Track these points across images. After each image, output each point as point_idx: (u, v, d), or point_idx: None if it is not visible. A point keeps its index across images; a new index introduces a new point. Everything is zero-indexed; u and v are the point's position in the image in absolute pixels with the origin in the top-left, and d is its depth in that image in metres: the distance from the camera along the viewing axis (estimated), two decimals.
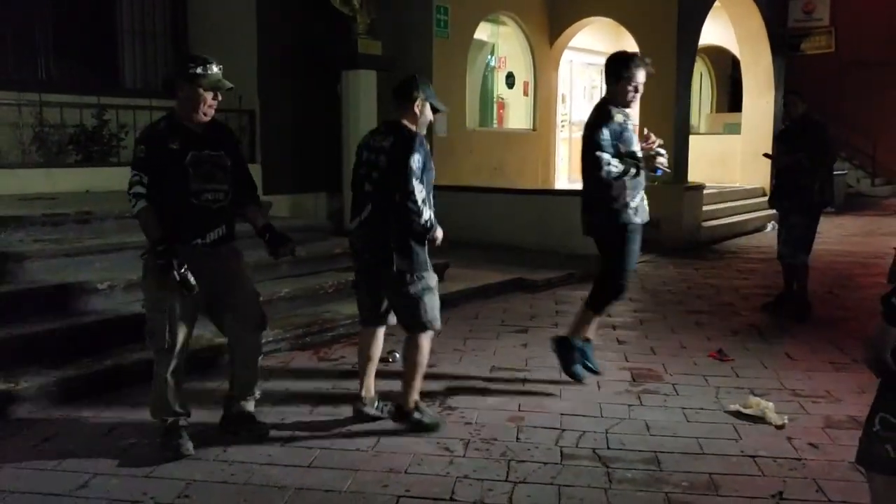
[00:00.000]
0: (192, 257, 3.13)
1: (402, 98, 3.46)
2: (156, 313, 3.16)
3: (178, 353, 3.19)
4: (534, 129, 11.19)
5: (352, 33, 7.77)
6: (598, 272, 4.20)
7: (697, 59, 11.47)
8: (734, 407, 3.78)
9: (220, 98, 3.21)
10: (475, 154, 9.68)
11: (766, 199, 6.59)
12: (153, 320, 3.17)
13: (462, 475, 3.04)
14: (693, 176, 10.43)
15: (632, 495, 2.90)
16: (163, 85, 3.34)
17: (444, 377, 4.28)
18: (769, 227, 10.61)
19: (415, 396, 3.52)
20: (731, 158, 12.76)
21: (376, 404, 3.62)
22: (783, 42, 12.75)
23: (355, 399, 3.63)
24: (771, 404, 3.76)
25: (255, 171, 5.08)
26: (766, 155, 6.41)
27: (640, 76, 3.86)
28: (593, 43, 12.65)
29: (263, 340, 3.65)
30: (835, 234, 10.51)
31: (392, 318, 3.61)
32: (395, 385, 3.67)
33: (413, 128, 3.44)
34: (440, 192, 8.72)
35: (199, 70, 3.11)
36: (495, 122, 11.37)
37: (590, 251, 8.11)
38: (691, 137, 10.50)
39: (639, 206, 4.02)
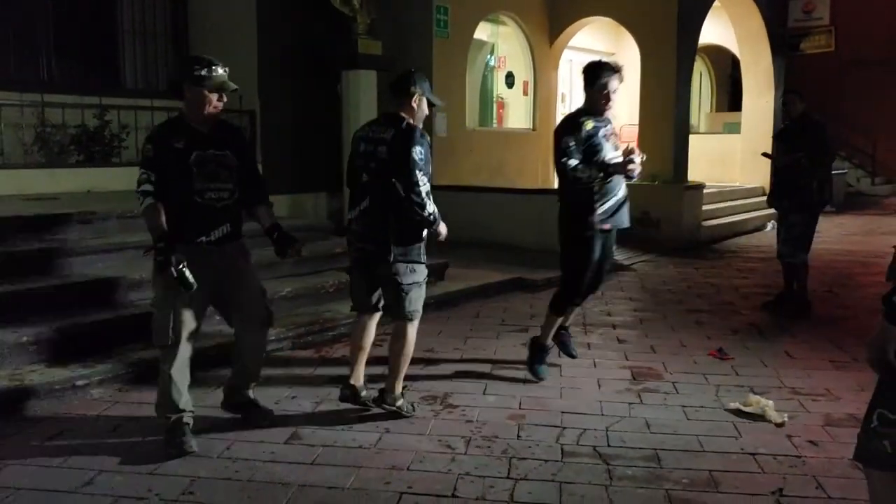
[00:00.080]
0: (196, 255, 3.18)
1: (400, 93, 3.51)
2: (160, 310, 3.22)
3: (181, 350, 3.22)
4: (533, 129, 11.22)
5: (352, 33, 7.78)
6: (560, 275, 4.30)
7: (697, 58, 11.50)
8: (734, 405, 3.80)
9: (225, 99, 3.27)
10: (475, 154, 9.70)
11: (766, 198, 6.60)
12: (158, 317, 3.23)
13: (464, 472, 3.06)
14: (693, 175, 10.46)
15: (632, 492, 2.92)
16: (169, 86, 3.38)
17: (446, 375, 4.30)
18: (769, 226, 10.63)
19: (400, 383, 3.60)
20: (731, 158, 12.78)
21: (363, 393, 3.70)
22: (783, 41, 12.78)
23: (342, 387, 3.69)
24: (771, 402, 3.78)
25: None
26: (765, 154, 6.44)
27: (613, 84, 3.95)
28: (593, 42, 12.68)
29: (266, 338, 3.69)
30: (835, 233, 10.54)
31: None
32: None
33: (412, 121, 3.48)
34: (440, 192, 8.73)
35: (204, 72, 3.17)
36: (495, 121, 11.40)
37: None
38: (691, 137, 10.53)
39: (609, 210, 4.06)
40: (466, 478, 3.01)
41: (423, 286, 3.56)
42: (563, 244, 4.19)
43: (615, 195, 4.07)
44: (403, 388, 3.67)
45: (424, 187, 3.38)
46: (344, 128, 8.01)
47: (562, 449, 3.30)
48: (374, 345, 3.86)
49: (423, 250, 3.53)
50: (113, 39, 7.41)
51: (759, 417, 3.67)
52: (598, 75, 3.96)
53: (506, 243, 7.87)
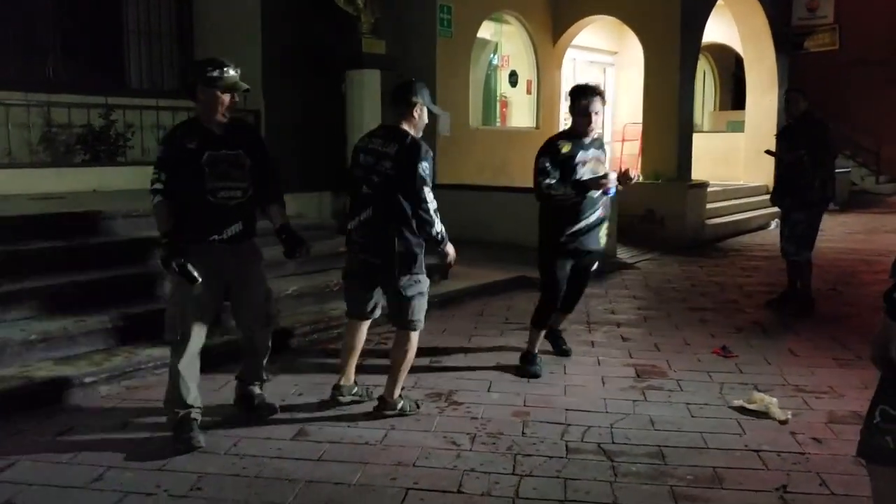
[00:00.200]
0: (209, 253, 3.26)
1: (401, 103, 3.53)
2: (172, 306, 3.31)
3: (190, 346, 3.28)
4: (537, 128, 11.21)
5: (356, 33, 7.79)
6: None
7: (701, 56, 11.48)
8: (738, 402, 3.82)
9: (237, 100, 3.32)
10: (478, 152, 9.71)
11: (769, 196, 6.60)
12: (169, 313, 3.32)
13: (469, 468, 3.08)
14: (697, 174, 10.46)
15: (637, 488, 2.94)
16: (183, 88, 3.44)
17: (450, 373, 4.33)
18: (773, 224, 10.63)
19: (398, 390, 3.64)
20: (735, 156, 12.77)
21: (354, 390, 3.76)
22: (787, 40, 12.76)
23: (333, 388, 3.74)
24: (774, 400, 3.79)
25: None
26: (768, 152, 6.44)
27: (595, 106, 4.14)
28: (597, 41, 12.68)
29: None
30: (838, 231, 10.53)
31: (378, 313, 3.75)
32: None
33: (410, 132, 3.50)
34: (444, 191, 8.75)
35: (216, 73, 3.24)
36: (498, 120, 11.40)
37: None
38: (695, 135, 10.53)
39: (578, 231, 4.19)
40: (472, 474, 3.03)
41: (426, 295, 3.60)
42: (540, 256, 4.36)
43: (587, 219, 4.20)
44: (402, 388, 3.70)
45: (432, 204, 3.42)
46: (348, 127, 8.03)
47: (566, 446, 3.33)
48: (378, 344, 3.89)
49: (423, 260, 3.56)
50: (118, 39, 7.44)
51: (763, 415, 3.68)
52: (580, 98, 4.17)
53: (509, 242, 7.88)
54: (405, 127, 3.50)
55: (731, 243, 9.87)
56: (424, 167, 3.40)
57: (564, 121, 12.35)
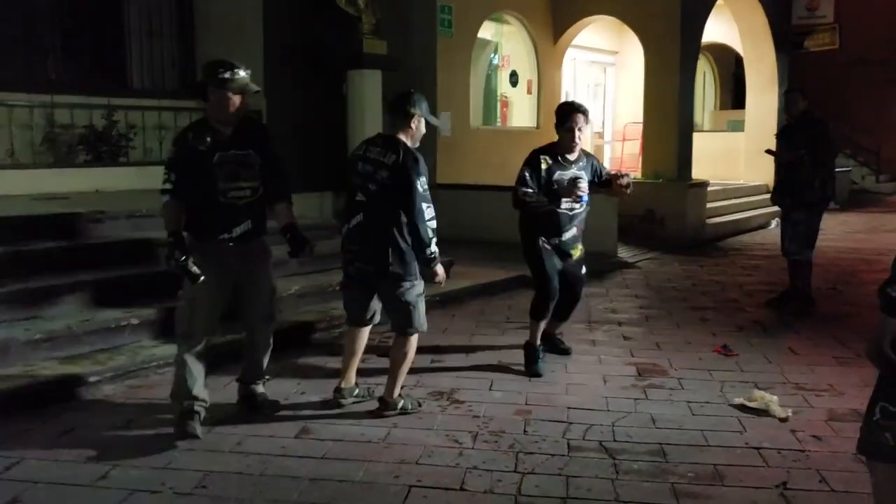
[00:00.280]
0: (218, 251, 3.33)
1: (399, 114, 3.58)
2: (182, 301, 3.38)
3: (196, 341, 3.35)
4: (537, 127, 11.24)
5: (357, 33, 7.81)
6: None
7: (701, 56, 11.50)
8: (739, 400, 3.84)
9: (248, 101, 3.37)
10: (479, 152, 9.73)
11: (769, 195, 6.62)
12: (179, 308, 3.40)
13: (472, 466, 3.10)
14: (697, 173, 10.48)
15: (638, 486, 2.96)
16: (194, 89, 3.49)
17: (452, 372, 4.35)
18: (773, 223, 10.65)
19: (398, 390, 3.67)
20: (735, 155, 12.79)
21: (356, 392, 3.78)
22: (787, 39, 12.78)
23: (335, 391, 3.76)
24: (775, 397, 3.81)
25: None
26: (768, 151, 6.46)
27: (579, 122, 4.29)
28: (597, 41, 12.70)
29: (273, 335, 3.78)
30: (839, 230, 10.54)
31: (377, 318, 3.79)
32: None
33: (407, 142, 3.55)
34: (444, 191, 8.74)
35: (227, 75, 3.29)
36: (499, 120, 11.42)
37: (592, 248, 8.15)
38: (695, 135, 10.55)
39: (555, 245, 4.37)
40: (474, 472, 3.05)
41: (423, 299, 3.64)
42: (525, 258, 4.54)
43: (561, 236, 4.35)
44: (403, 387, 3.73)
45: (431, 223, 3.45)
46: (349, 127, 8.04)
47: (568, 444, 3.35)
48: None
49: (416, 266, 3.59)
50: (119, 40, 7.44)
51: (764, 412, 3.70)
52: (565, 115, 4.33)
53: (509, 241, 7.82)
54: (402, 137, 3.55)
55: (732, 242, 9.89)
56: (423, 182, 3.44)
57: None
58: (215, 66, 3.33)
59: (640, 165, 10.64)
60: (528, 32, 10.80)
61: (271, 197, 3.53)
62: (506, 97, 11.44)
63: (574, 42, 11.47)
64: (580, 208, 4.36)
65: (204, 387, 3.40)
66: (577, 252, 4.50)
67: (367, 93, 7.94)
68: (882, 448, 2.12)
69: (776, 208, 6.55)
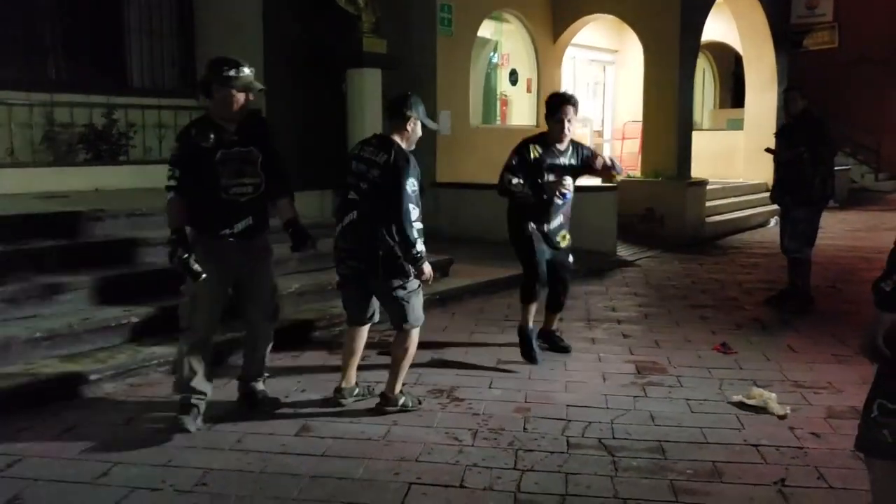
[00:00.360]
0: (220, 247, 3.37)
1: (395, 116, 3.60)
2: (184, 297, 3.42)
3: (197, 336, 3.40)
4: (537, 126, 11.19)
5: (357, 32, 7.81)
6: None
7: (700, 55, 11.50)
8: (737, 398, 3.85)
9: (252, 98, 3.39)
10: (479, 151, 9.73)
11: (769, 194, 6.63)
12: (181, 303, 3.44)
13: (471, 463, 3.11)
14: (696, 172, 10.48)
15: (637, 482, 2.97)
16: (199, 86, 3.51)
17: (452, 370, 4.36)
18: (772, 221, 10.66)
19: (399, 385, 3.68)
20: (734, 154, 12.80)
21: (356, 391, 3.79)
22: (786, 38, 12.78)
23: (335, 391, 3.77)
24: (773, 395, 3.83)
25: None
26: (768, 150, 6.46)
27: (568, 114, 4.34)
28: (597, 39, 12.70)
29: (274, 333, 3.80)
30: (838, 228, 10.56)
31: (377, 317, 3.80)
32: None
33: (403, 144, 3.57)
34: (444, 190, 8.71)
35: (232, 73, 3.32)
36: (498, 118, 11.42)
37: (592, 247, 8.14)
38: (694, 133, 10.56)
39: (544, 232, 4.44)
40: (474, 469, 3.06)
41: (419, 294, 3.65)
42: (513, 245, 4.61)
43: (548, 224, 4.43)
44: (404, 384, 3.74)
45: (417, 224, 3.45)
46: (349, 126, 8.05)
47: (567, 441, 3.36)
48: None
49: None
50: (119, 39, 7.45)
51: (762, 410, 3.72)
52: (555, 107, 4.38)
53: (509, 240, 7.92)
54: (397, 138, 3.57)
55: (731, 241, 9.90)
56: (412, 183, 3.45)
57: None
58: (220, 64, 3.35)
59: (639, 164, 10.65)
60: (528, 31, 10.80)
61: (273, 193, 3.56)
62: (505, 96, 11.43)
63: (574, 40, 11.46)
64: (564, 200, 4.44)
65: (205, 380, 3.44)
66: (565, 241, 4.56)
67: (367, 91, 7.94)
68: (880, 445, 2.13)
69: (775, 206, 6.55)
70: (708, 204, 10.20)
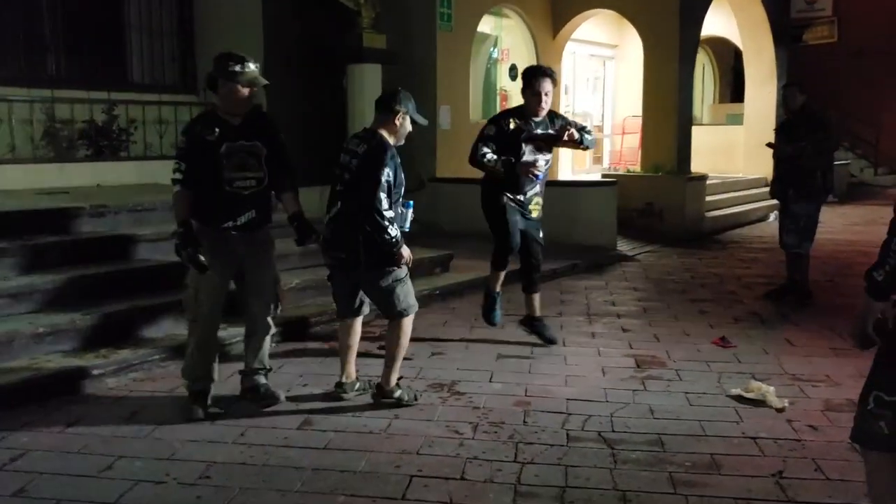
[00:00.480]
0: (222, 239, 3.43)
1: (384, 110, 3.62)
2: (189, 289, 3.48)
3: (204, 325, 3.47)
4: None
5: (356, 27, 7.83)
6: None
7: (700, 50, 11.50)
8: (736, 391, 3.88)
9: (256, 93, 3.44)
10: None
11: (768, 188, 6.65)
12: (186, 294, 3.51)
13: (472, 456, 3.14)
14: (696, 166, 10.49)
15: (636, 475, 3.00)
16: (205, 81, 3.56)
17: (452, 364, 4.38)
18: (771, 216, 10.67)
19: (395, 375, 3.70)
20: (734, 149, 12.81)
21: (357, 386, 3.80)
22: (786, 32, 12.77)
23: (336, 385, 3.79)
24: (772, 388, 3.85)
25: None
26: (769, 145, 6.48)
27: (544, 86, 4.35)
28: (597, 35, 12.70)
29: (275, 329, 3.86)
30: (837, 223, 10.58)
31: (366, 309, 3.81)
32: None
33: (390, 139, 3.57)
34: (444, 185, 8.72)
35: (237, 68, 3.35)
36: None
37: (592, 241, 8.14)
38: (694, 128, 10.57)
39: (518, 201, 4.53)
40: (474, 462, 3.09)
41: (407, 281, 3.65)
42: (486, 216, 4.67)
43: (523, 193, 4.50)
44: (399, 378, 3.76)
45: (388, 212, 3.44)
46: (349, 121, 8.06)
47: (567, 434, 3.38)
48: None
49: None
50: (120, 35, 7.46)
51: (761, 403, 3.74)
52: (530, 79, 4.39)
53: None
54: (382, 132, 3.59)
55: (730, 235, 9.92)
56: (386, 172, 3.44)
57: (564, 113, 12.39)
58: (225, 59, 3.38)
59: (639, 159, 10.66)
60: (528, 26, 10.79)
61: (278, 187, 3.60)
62: (505, 91, 11.44)
63: (573, 36, 11.46)
64: (536, 181, 4.51)
65: (213, 368, 3.54)
66: (537, 210, 4.60)
67: (367, 86, 7.95)
68: (876, 436, 2.16)
69: (774, 201, 6.57)
70: (707, 199, 10.22)
